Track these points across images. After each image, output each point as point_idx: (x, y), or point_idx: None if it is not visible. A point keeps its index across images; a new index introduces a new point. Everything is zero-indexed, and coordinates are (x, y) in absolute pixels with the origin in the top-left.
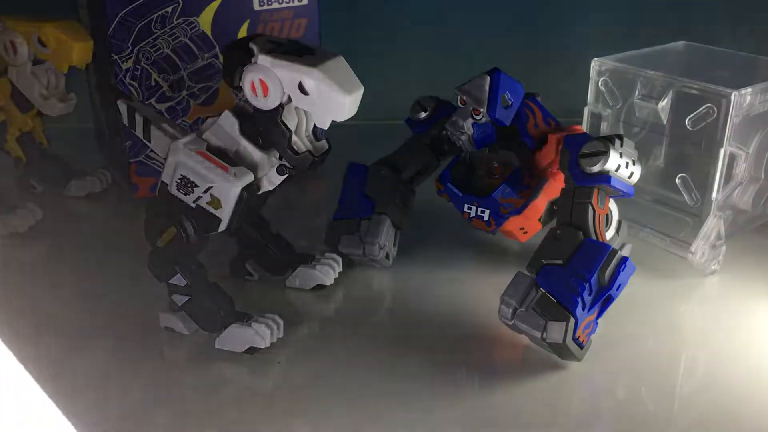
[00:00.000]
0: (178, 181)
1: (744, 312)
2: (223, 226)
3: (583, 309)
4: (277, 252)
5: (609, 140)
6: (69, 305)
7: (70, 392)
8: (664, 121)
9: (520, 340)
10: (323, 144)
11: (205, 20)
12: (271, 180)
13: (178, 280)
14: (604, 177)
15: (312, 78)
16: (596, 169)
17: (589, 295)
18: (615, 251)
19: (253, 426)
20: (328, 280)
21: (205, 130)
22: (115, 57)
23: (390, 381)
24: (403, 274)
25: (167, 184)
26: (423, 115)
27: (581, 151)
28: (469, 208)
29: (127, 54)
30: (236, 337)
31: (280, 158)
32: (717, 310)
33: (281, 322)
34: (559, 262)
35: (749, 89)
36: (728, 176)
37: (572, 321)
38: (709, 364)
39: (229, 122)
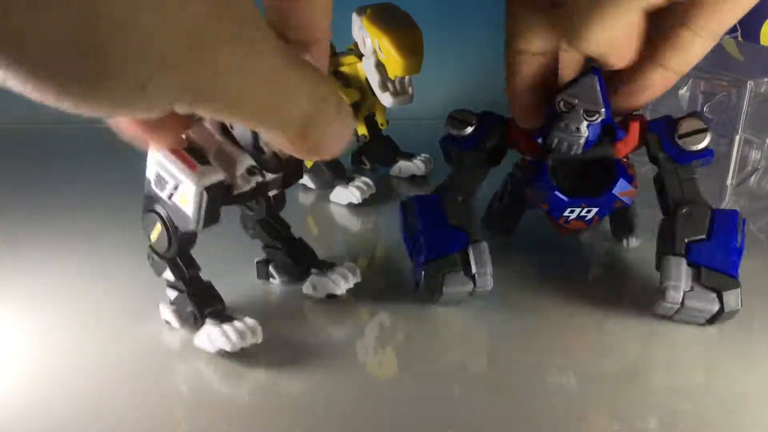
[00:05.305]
0: (155, 177)
1: (758, 297)
2: (192, 224)
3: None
4: (293, 257)
5: (699, 117)
6: None
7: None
8: (684, 109)
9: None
10: None
11: None
12: (245, 181)
13: (169, 275)
14: (709, 151)
15: None
16: (703, 146)
17: (739, 257)
18: (740, 214)
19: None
20: (339, 290)
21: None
22: None
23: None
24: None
25: (150, 181)
26: (470, 129)
27: (680, 131)
28: (572, 211)
29: None
30: (208, 337)
31: None
32: None
33: (258, 329)
34: (703, 236)
35: (766, 79)
36: (744, 163)
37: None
38: (720, 350)
39: (210, 121)
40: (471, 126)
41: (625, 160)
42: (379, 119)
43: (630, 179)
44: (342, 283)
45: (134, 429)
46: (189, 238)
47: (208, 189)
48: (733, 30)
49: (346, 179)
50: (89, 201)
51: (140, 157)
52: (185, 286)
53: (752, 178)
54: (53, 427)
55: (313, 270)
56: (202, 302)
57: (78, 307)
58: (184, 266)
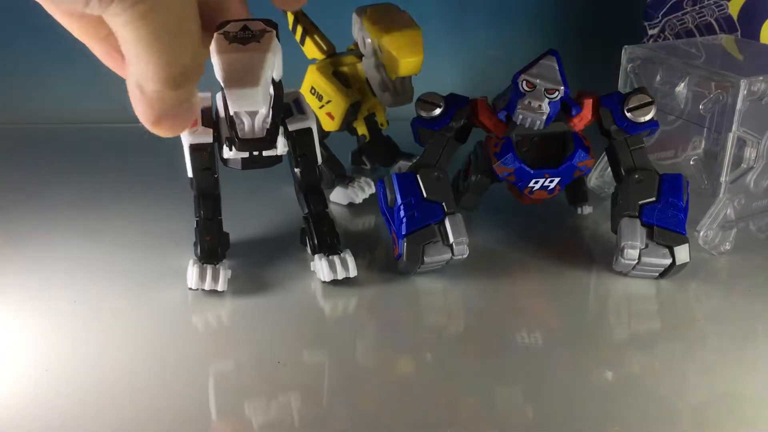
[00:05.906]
0: None
1: (759, 297)
2: (189, 172)
3: None
4: (313, 233)
5: (645, 92)
6: None
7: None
8: (682, 105)
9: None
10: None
11: (735, 6)
12: (226, 149)
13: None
14: (655, 122)
15: (214, 63)
16: (650, 117)
17: (685, 216)
18: (684, 177)
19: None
20: (323, 278)
21: None
22: (645, 23)
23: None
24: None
25: None
26: (438, 111)
27: (629, 105)
28: (536, 182)
29: (656, 22)
30: (188, 273)
31: None
32: (721, 288)
33: (220, 277)
34: (653, 199)
35: (761, 77)
36: (740, 161)
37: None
38: (721, 350)
39: None
40: (439, 108)
41: (580, 133)
42: (379, 119)
43: (587, 150)
44: (327, 273)
45: (135, 430)
46: (205, 181)
47: (191, 146)
48: (732, 29)
49: (346, 179)
50: (89, 200)
51: (139, 159)
52: (198, 221)
53: (749, 177)
54: (53, 426)
55: (318, 251)
56: (201, 240)
57: (78, 307)
58: (201, 206)
